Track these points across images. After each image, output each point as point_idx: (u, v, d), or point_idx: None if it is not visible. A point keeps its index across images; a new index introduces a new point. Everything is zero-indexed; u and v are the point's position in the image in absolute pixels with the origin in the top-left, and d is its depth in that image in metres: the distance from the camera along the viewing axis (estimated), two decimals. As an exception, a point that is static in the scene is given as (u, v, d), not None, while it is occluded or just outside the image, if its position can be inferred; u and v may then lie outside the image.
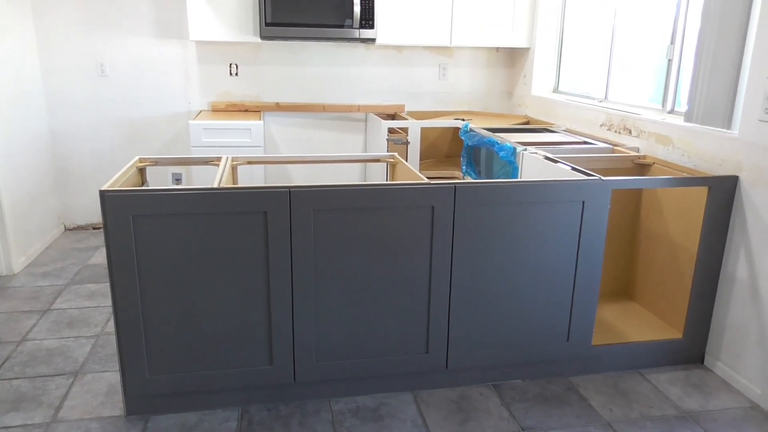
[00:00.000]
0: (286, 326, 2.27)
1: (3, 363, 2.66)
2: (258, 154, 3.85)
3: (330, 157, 2.81)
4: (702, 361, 2.72)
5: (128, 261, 2.12)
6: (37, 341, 2.85)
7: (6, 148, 3.54)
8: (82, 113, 4.17)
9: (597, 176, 2.39)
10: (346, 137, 4.52)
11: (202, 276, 2.18)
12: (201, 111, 4.26)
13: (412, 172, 2.52)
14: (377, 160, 2.84)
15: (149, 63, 4.16)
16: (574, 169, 2.55)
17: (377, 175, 4.20)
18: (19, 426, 2.24)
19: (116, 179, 2.28)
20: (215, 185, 2.21)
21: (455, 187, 2.25)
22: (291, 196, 2.15)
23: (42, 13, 3.98)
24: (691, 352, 2.70)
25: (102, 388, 2.48)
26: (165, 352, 2.23)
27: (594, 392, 2.50)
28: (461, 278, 2.35)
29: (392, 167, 2.82)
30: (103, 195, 2.06)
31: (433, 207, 2.26)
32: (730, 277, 2.55)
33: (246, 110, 4.27)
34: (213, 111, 4.25)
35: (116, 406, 2.36)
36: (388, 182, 2.21)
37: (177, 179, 4.36)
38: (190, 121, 3.77)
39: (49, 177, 4.17)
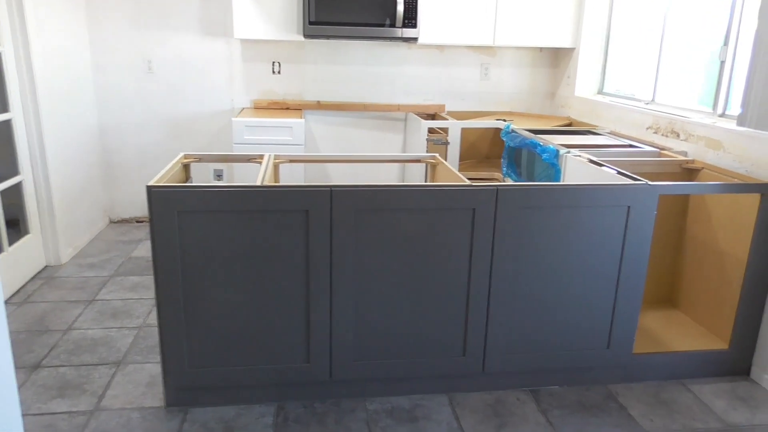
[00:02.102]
0: (324, 325, 2.29)
1: (50, 351, 2.74)
2: (299, 152, 3.89)
3: (371, 156, 2.81)
4: (749, 374, 2.63)
5: (172, 255, 2.16)
6: (82, 330, 2.93)
7: (58, 142, 3.66)
8: (130, 109, 4.28)
9: (644, 181, 2.33)
10: (386, 137, 4.52)
11: (243, 272, 2.21)
12: (243, 108, 4.32)
13: (453, 173, 2.50)
14: (418, 161, 2.83)
15: (194, 61, 4.24)
16: (619, 173, 2.49)
17: (415, 176, 4.19)
18: (65, 413, 2.31)
19: (162, 175, 2.32)
20: (258, 183, 2.23)
21: (497, 190, 2.23)
22: (333, 195, 2.16)
23: (94, 10, 4.09)
24: (737, 363, 2.62)
25: (143, 379, 2.53)
26: (205, 346, 2.27)
27: (634, 401, 2.44)
28: (501, 281, 2.32)
29: (432, 168, 2.80)
30: (150, 190, 2.11)
31: (474, 209, 2.24)
32: (781, 288, 2.45)
33: (287, 108, 4.31)
34: (255, 108, 4.31)
35: (156, 397, 2.41)
36: (430, 183, 2.20)
37: (218, 175, 4.43)
38: (233, 119, 3.83)
39: (97, 171, 4.28)
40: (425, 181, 2.96)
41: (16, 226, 3.52)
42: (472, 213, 2.24)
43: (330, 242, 2.21)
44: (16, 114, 3.37)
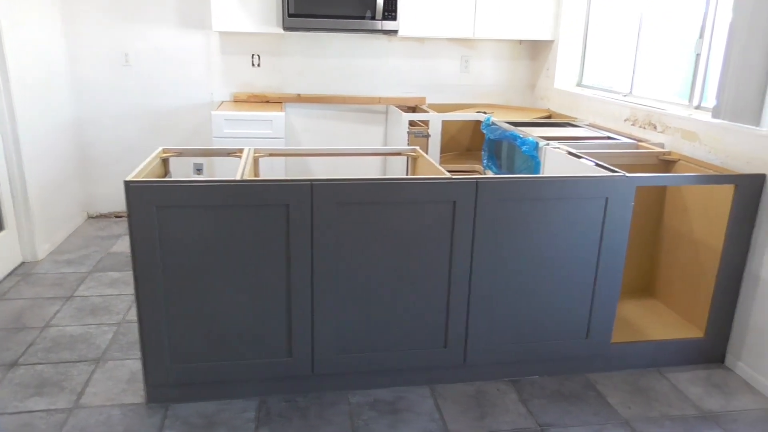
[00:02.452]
0: (305, 319, 2.29)
1: (27, 348, 2.71)
2: (279, 145, 3.86)
3: (352, 150, 2.80)
4: (723, 361, 2.69)
5: (152, 251, 2.14)
6: (61, 327, 2.90)
7: (32, 136, 3.60)
8: (107, 102, 4.22)
9: (621, 172, 2.36)
10: (367, 129, 4.51)
11: (224, 267, 2.20)
12: (223, 102, 4.28)
13: (434, 166, 2.51)
14: (399, 154, 2.83)
15: (172, 53, 4.18)
16: (597, 164, 2.52)
17: (397, 169, 4.19)
18: (43, 411, 2.29)
19: (141, 170, 2.30)
20: (238, 177, 2.22)
21: (477, 182, 2.24)
22: (313, 189, 2.16)
23: (70, 2, 4.01)
24: (712, 351, 2.67)
25: (123, 376, 2.51)
26: (186, 341, 2.26)
27: (613, 390, 2.48)
28: (481, 273, 2.34)
29: (413, 161, 2.81)
30: (128, 185, 2.08)
31: (454, 202, 2.25)
32: (754, 277, 2.51)
33: (267, 101, 4.28)
34: (235, 102, 4.27)
35: (137, 394, 2.39)
36: (411, 176, 2.21)
37: (198, 169, 4.39)
38: (213, 112, 3.79)
39: (74, 164, 4.22)
40: (406, 174, 2.96)
41: (-8, 223, 3.46)
42: (453, 206, 2.25)
43: (311, 236, 2.20)
44: (-11, 108, 3.30)
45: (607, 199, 2.33)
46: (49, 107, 3.85)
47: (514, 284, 2.38)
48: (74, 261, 3.69)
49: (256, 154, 2.69)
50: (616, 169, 2.42)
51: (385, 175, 4.55)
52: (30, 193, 3.56)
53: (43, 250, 3.73)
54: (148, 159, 2.46)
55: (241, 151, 2.68)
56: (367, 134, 4.51)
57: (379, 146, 4.55)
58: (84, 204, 4.41)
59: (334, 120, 4.46)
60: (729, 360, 2.66)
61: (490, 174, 3.67)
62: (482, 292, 2.37)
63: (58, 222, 3.96)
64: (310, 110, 4.41)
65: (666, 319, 2.85)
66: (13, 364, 2.58)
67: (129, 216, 2.11)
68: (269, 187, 2.14)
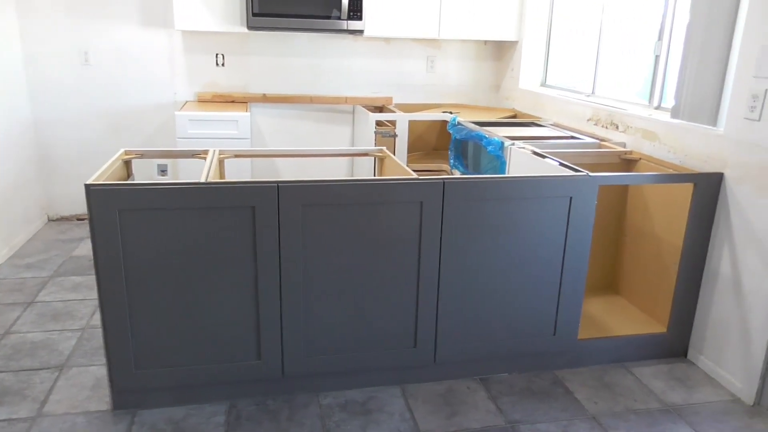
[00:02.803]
0: (274, 321, 2.27)
1: (-14, 357, 2.63)
2: (245, 146, 3.82)
3: (318, 151, 2.79)
4: (686, 355, 2.76)
5: (114, 255, 2.09)
6: (21, 334, 2.81)
7: (-13, 138, 3.48)
8: (66, 102, 4.11)
9: (584, 172, 2.41)
10: (334, 129, 4.50)
11: (189, 271, 2.16)
12: (187, 102, 4.21)
13: (401, 166, 2.51)
14: (366, 154, 2.83)
15: (134, 52, 4.10)
16: (561, 164, 2.56)
17: (365, 169, 4.19)
18: (4, 420, 2.22)
19: (102, 172, 2.25)
20: (202, 179, 2.19)
21: (444, 183, 2.25)
22: (279, 190, 2.14)
23: None
24: (674, 346, 2.74)
25: (88, 382, 2.46)
26: (152, 346, 2.22)
27: (580, 386, 2.53)
28: (449, 273, 2.36)
29: (381, 161, 2.81)
30: (89, 189, 2.04)
31: (422, 202, 2.26)
32: (713, 273, 2.58)
33: (233, 101, 4.23)
34: (199, 102, 4.21)
35: (102, 401, 2.34)
36: (377, 177, 2.21)
37: (162, 170, 4.32)
38: (176, 112, 3.73)
39: (33, 166, 4.10)
40: (374, 175, 2.96)
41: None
42: (420, 206, 2.26)
43: (278, 238, 2.19)
44: (-59, 109, 3.18)
45: (571, 198, 2.38)
46: (4, 108, 3.73)
47: (482, 283, 2.41)
48: (34, 265, 3.59)
49: (222, 156, 2.66)
50: (579, 169, 2.46)
51: (353, 176, 4.54)
52: (-14, 196, 3.45)
53: (1, 254, 3.62)
54: (110, 161, 2.41)
55: (206, 152, 2.64)
56: (333, 134, 4.50)
57: (346, 146, 4.54)
58: (44, 207, 4.29)
59: (301, 120, 4.43)
60: (691, 354, 2.73)
61: (456, 173, 3.70)
62: (451, 291, 2.38)
63: (17, 225, 3.84)
64: (276, 110, 4.38)
65: (630, 315, 2.92)
66: (-29, 374, 2.50)
67: (90, 220, 2.06)
68: (235, 189, 2.11)
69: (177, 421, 2.24)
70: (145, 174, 4.21)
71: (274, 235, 2.18)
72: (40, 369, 2.55)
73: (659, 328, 2.78)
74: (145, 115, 4.22)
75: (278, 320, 2.27)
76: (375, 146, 3.91)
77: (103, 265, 2.10)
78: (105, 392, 2.38)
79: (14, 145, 3.84)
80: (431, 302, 2.38)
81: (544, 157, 2.70)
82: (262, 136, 4.41)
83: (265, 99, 4.28)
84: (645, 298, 2.93)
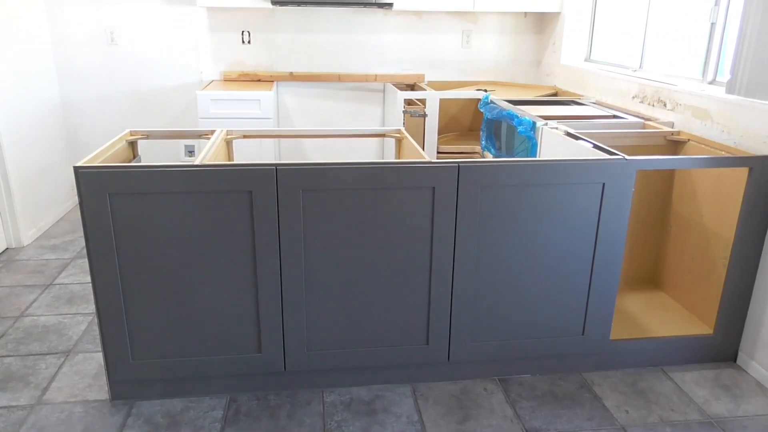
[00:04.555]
0: (275, 313, 2.13)
1: (-2, 339, 2.61)
2: (268, 126, 3.70)
3: (332, 131, 2.62)
4: (734, 360, 2.47)
5: (106, 241, 1.99)
6: (35, 317, 2.79)
7: (12, 119, 3.47)
8: (93, 83, 4.08)
9: (621, 155, 2.15)
10: (364, 108, 4.31)
11: (185, 258, 2.04)
12: (212, 81, 4.11)
13: (416, 149, 2.31)
14: (383, 135, 2.64)
15: (159, 31, 4.02)
16: (596, 146, 2.30)
17: (393, 150, 3.99)
18: (4, 407, 2.18)
19: (98, 153, 2.15)
20: (197, 161, 2.06)
21: (459, 167, 2.04)
22: (278, 174, 1.99)
23: (51, -21, 3.87)
24: (722, 349, 2.46)
25: (91, 370, 2.39)
26: (149, 336, 2.12)
27: (609, 391, 2.29)
28: (465, 265, 2.16)
29: (399, 143, 2.62)
30: (78, 171, 1.93)
31: (434, 188, 2.06)
32: (769, 270, 2.28)
33: (259, 80, 4.10)
34: (225, 81, 4.10)
35: (102, 390, 2.27)
36: (384, 161, 2.02)
37: (190, 151, 4.25)
38: (198, 92, 3.63)
39: (61, 148, 4.10)
40: (395, 158, 2.77)
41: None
42: (432, 192, 2.06)
43: (277, 224, 2.04)
44: (-36, 89, 3.18)
45: (604, 184, 2.12)
46: (31, 89, 3.72)
47: (501, 276, 2.20)
48: (59, 247, 3.58)
49: (229, 137, 2.52)
50: (615, 152, 2.20)
51: (383, 157, 4.36)
52: (11, 177, 3.45)
53: (28, 235, 3.63)
54: (110, 142, 2.31)
55: (211, 133, 2.51)
56: (363, 114, 4.31)
57: (376, 126, 4.35)
58: (73, 188, 4.30)
59: (329, 99, 4.26)
60: (741, 359, 2.45)
61: (488, 156, 3.46)
62: (466, 285, 2.18)
63: (44, 206, 3.85)
64: (303, 89, 4.22)
65: (672, 314, 2.64)
66: (-19, 357, 2.48)
67: (80, 204, 1.96)
68: (229, 172, 1.97)
69: (174, 415, 2.14)
70: (172, 155, 4.15)
71: (273, 221, 2.03)
72: (47, 354, 2.51)
73: (705, 328, 2.50)
74: (171, 95, 4.15)
75: (279, 312, 2.13)
76: (404, 126, 3.71)
77: (95, 251, 2.00)
78: (106, 381, 2.31)
79: (42, 126, 3.84)
80: (444, 296, 2.18)
81: (577, 138, 2.44)
82: (290, 116, 4.27)
83: (292, 77, 4.13)
84: (690, 294, 2.64)
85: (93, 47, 4.01)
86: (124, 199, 1.96)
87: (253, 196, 2.00)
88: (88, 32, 3.98)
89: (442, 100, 3.74)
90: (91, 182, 1.94)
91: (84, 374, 2.37)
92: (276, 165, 1.98)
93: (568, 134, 2.51)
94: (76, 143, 4.19)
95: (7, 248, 3.55)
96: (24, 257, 3.44)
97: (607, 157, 2.15)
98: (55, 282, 3.14)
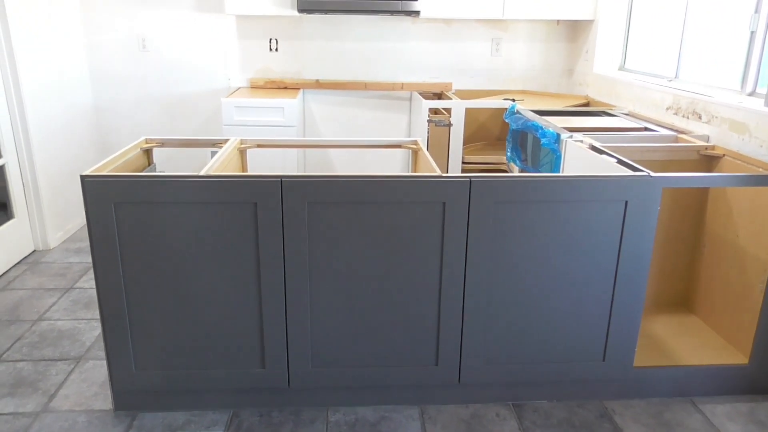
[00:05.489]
0: (279, 328, 2.07)
1: (14, 343, 2.63)
2: (292, 134, 3.67)
3: (347, 141, 2.56)
4: (771, 393, 2.30)
5: (111, 251, 1.97)
6: (52, 321, 2.81)
7: (43, 123, 3.54)
8: (125, 89, 4.13)
9: (645, 172, 2.02)
10: (390, 117, 4.24)
11: (189, 269, 2.01)
12: (239, 88, 4.11)
13: (429, 161, 2.23)
14: (399, 146, 2.57)
15: (189, 38, 4.04)
16: (619, 161, 2.17)
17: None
18: (10, 414, 2.18)
19: (109, 161, 2.14)
20: (203, 172, 2.02)
21: (471, 182, 1.95)
22: (283, 186, 1.93)
23: (85, -13, 3.94)
24: (757, 380, 2.29)
25: (99, 378, 2.39)
26: (152, 347, 2.09)
27: (632, 422, 2.15)
28: (477, 283, 2.06)
29: (415, 155, 2.54)
30: (84, 180, 1.92)
31: (444, 203, 1.97)
32: (810, 297, 2.11)
33: (285, 87, 4.08)
34: (252, 88, 4.10)
35: (108, 399, 2.26)
36: (392, 174, 1.94)
37: (216, 158, 4.25)
38: (222, 99, 3.63)
39: (92, 152, 4.17)
40: (410, 170, 2.70)
41: (4, 210, 3.43)
42: (442, 207, 1.97)
43: (282, 237, 1.98)
44: (-5, 95, 3.25)
45: (626, 202, 2.00)
46: (64, 94, 3.79)
47: (516, 296, 2.09)
48: (83, 250, 3.63)
49: (242, 145, 2.49)
50: (640, 168, 2.07)
51: (409, 169, 4.28)
52: (40, 180, 3.51)
53: (55, 238, 3.69)
54: (123, 150, 2.30)
55: (225, 141, 2.49)
56: (390, 123, 4.24)
57: (402, 136, 4.28)
58: (103, 192, 4.35)
59: (356, 107, 4.21)
60: (778, 391, 2.27)
61: (514, 168, 3.35)
62: (478, 304, 2.08)
63: (72, 209, 3.91)
64: (329, 97, 4.19)
65: (704, 340, 2.48)
66: (-4, 360, 2.51)
67: (86, 213, 1.95)
68: (234, 183, 1.93)
69: (175, 428, 2.11)
70: (200, 162, 4.17)
71: (278, 233, 1.98)
72: (59, 360, 2.51)
73: (740, 357, 2.33)
74: (199, 101, 4.17)
75: (283, 327, 2.07)
76: (428, 136, 3.63)
77: (100, 260, 1.99)
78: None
79: (73, 130, 3.90)
80: (455, 315, 2.09)
81: (601, 152, 2.32)
82: (315, 123, 4.24)
83: (318, 85, 4.10)
84: (724, 320, 2.48)
85: (125, 54, 4.07)
86: (129, 208, 1.94)
87: (257, 208, 1.95)
88: (120, 39, 4.03)
89: (469, 109, 3.64)
90: (96, 191, 1.92)
91: (92, 382, 2.36)
92: (281, 177, 1.92)
93: (593, 148, 2.39)
94: (106, 147, 4.25)
95: (34, 250, 3.61)
96: (50, 260, 3.49)
97: (631, 173, 2.02)
98: (75, 286, 3.17)
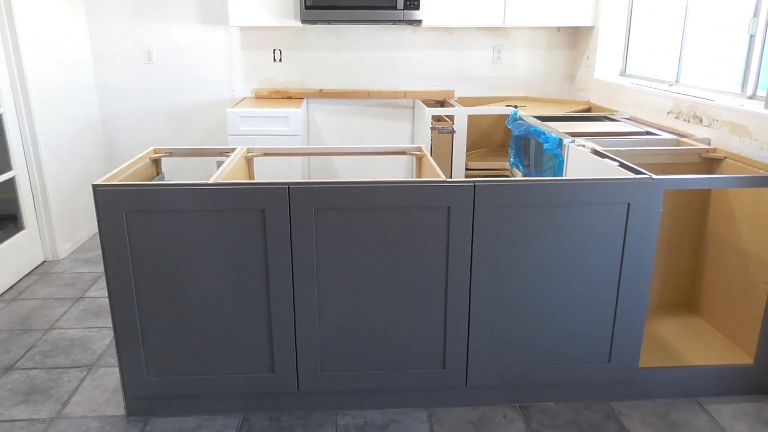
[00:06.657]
0: (287, 333, 2.11)
1: (26, 352, 2.66)
2: (296, 143, 3.71)
3: (352, 149, 2.60)
4: (777, 392, 2.32)
5: (122, 258, 2.01)
6: (63, 330, 2.85)
7: (52, 135, 3.59)
8: (131, 101, 4.19)
9: (647, 174, 2.05)
10: (393, 125, 4.29)
11: (199, 276, 2.04)
12: (244, 98, 4.16)
13: (433, 167, 2.27)
14: (403, 153, 2.60)
15: (194, 50, 4.10)
16: (622, 165, 2.21)
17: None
18: (24, 420, 2.22)
19: (119, 171, 2.18)
20: (212, 180, 2.06)
21: (475, 186, 1.98)
22: (290, 192, 1.97)
23: (93, 1, 4.00)
24: (763, 380, 2.30)
25: (111, 385, 2.42)
26: (164, 353, 2.13)
27: (638, 422, 2.17)
28: (482, 287, 2.09)
29: (419, 161, 2.58)
30: (96, 189, 1.96)
31: (449, 208, 2.00)
32: (813, 297, 2.13)
33: (289, 97, 4.13)
34: (256, 98, 4.15)
35: (120, 405, 2.29)
36: (397, 180, 1.98)
37: (222, 168, 4.30)
38: (228, 109, 3.68)
39: (99, 163, 4.22)
40: (414, 176, 2.73)
41: (14, 222, 3.48)
42: (447, 212, 2.01)
43: (290, 243, 2.02)
44: (6, 108, 3.30)
45: (629, 205, 2.03)
46: (71, 106, 3.85)
47: (521, 299, 2.12)
48: (92, 260, 3.67)
49: (249, 154, 2.53)
50: (641, 170, 2.10)
51: (414, 175, 4.31)
52: (49, 192, 3.56)
53: (65, 249, 3.73)
54: (132, 160, 2.34)
55: (232, 151, 2.53)
56: (393, 131, 4.29)
57: (406, 143, 4.32)
58: (111, 203, 4.40)
59: (359, 116, 4.26)
60: (783, 391, 2.29)
61: (517, 173, 3.38)
62: (484, 307, 2.11)
63: (81, 220, 3.96)
64: (333, 106, 4.23)
65: (709, 340, 2.50)
66: (9, 368, 2.54)
67: (98, 221, 1.99)
68: (243, 190, 1.96)
69: (187, 433, 2.14)
70: (206, 172, 4.22)
71: (286, 240, 2.01)
72: (71, 367, 2.55)
73: (745, 357, 2.35)
74: (204, 112, 4.23)
75: (291, 332, 2.11)
76: (431, 143, 3.67)
77: (112, 268, 2.03)
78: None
79: (80, 142, 3.95)
80: (461, 319, 2.12)
81: (603, 156, 2.35)
82: (320, 133, 4.29)
83: (322, 94, 4.15)
84: (729, 320, 2.50)
85: (132, 66, 4.13)
86: (140, 216, 1.98)
87: (265, 215, 1.99)
88: (127, 52, 4.10)
89: (471, 116, 3.68)
90: (107, 200, 1.96)
91: (104, 389, 2.40)
92: (288, 184, 1.96)
93: (595, 152, 2.42)
94: (113, 159, 4.31)
95: (44, 261, 3.65)
96: (59, 270, 3.53)
97: (632, 176, 2.05)
98: (85, 295, 3.21)
